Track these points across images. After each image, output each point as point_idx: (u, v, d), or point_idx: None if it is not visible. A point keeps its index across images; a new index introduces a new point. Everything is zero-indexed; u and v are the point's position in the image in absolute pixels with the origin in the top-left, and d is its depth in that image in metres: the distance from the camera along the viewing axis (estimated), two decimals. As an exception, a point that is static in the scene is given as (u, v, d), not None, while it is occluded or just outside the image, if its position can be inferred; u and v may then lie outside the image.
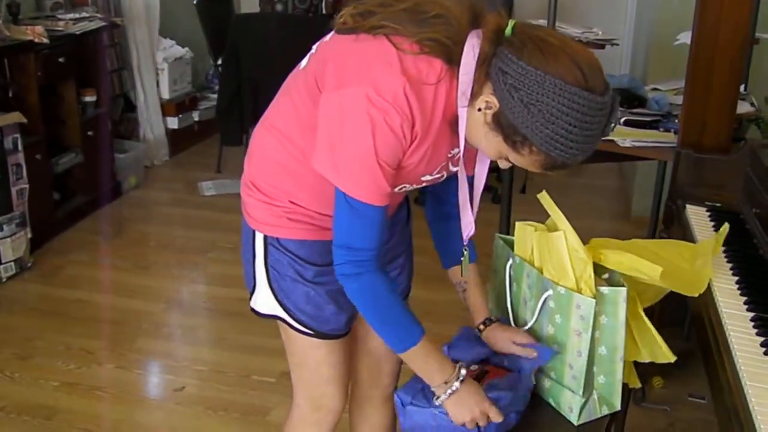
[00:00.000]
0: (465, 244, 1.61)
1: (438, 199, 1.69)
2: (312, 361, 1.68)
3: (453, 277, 1.72)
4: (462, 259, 1.64)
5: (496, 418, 1.46)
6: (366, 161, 1.33)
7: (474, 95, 1.33)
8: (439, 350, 1.51)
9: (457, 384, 1.46)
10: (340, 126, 1.33)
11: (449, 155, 1.46)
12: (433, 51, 1.32)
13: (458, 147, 1.42)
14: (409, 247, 1.79)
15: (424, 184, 1.52)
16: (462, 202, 1.54)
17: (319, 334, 1.63)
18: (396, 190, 1.48)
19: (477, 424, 1.46)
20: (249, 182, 1.58)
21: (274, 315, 1.64)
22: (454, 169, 1.51)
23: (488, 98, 1.30)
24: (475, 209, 1.57)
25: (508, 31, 1.30)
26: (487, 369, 1.58)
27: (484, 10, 1.36)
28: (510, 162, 1.38)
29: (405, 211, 1.75)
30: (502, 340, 1.64)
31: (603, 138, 1.32)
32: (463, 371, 1.47)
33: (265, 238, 1.58)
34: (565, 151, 1.27)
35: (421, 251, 1.78)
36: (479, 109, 1.33)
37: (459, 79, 1.33)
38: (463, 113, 1.35)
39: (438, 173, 1.49)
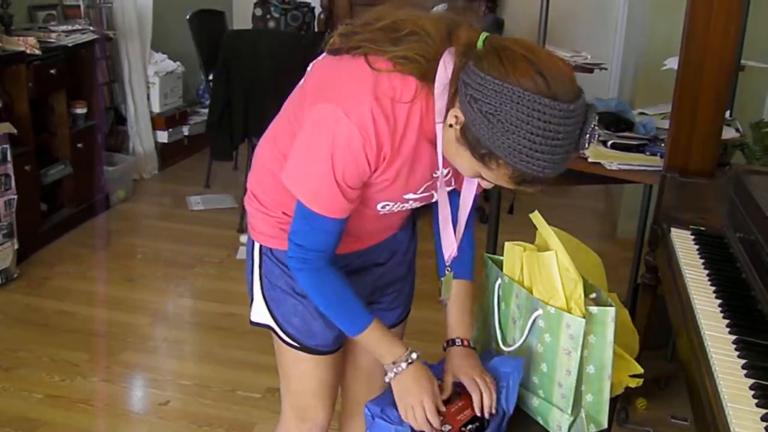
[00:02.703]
0: (447, 264, 1.62)
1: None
2: (299, 373, 1.68)
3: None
4: (442, 278, 1.65)
5: (430, 413, 1.46)
6: (324, 177, 1.36)
7: (447, 111, 1.33)
8: (392, 335, 1.53)
9: (403, 365, 1.48)
10: (307, 140, 1.37)
11: (435, 175, 1.46)
12: (406, 68, 1.33)
13: (445, 167, 1.43)
14: (410, 272, 1.80)
15: (411, 204, 1.53)
16: (442, 224, 1.55)
17: (304, 348, 1.64)
18: (379, 208, 1.50)
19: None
20: (250, 191, 1.62)
21: (265, 324, 1.66)
22: (447, 189, 1.53)
23: (456, 113, 1.30)
24: (460, 232, 1.58)
25: (479, 44, 1.29)
26: (462, 391, 1.58)
27: (459, 27, 1.36)
28: (487, 180, 1.37)
29: (407, 235, 1.75)
30: (449, 370, 1.60)
31: (580, 151, 1.28)
32: (414, 355, 1.49)
33: (261, 247, 1.62)
34: (531, 162, 1.23)
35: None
36: (451, 126, 1.32)
37: (435, 96, 1.34)
38: (439, 130, 1.36)
39: (425, 192, 1.50)
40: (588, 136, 1.26)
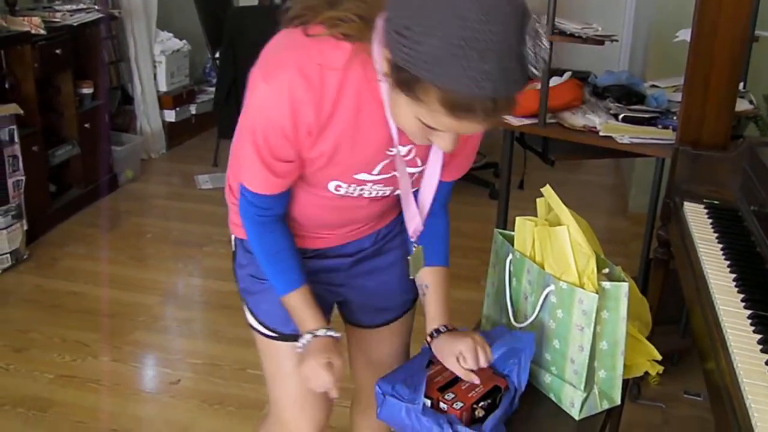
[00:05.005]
0: (413, 240, 1.51)
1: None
2: (281, 375, 1.62)
3: (419, 278, 1.58)
4: (410, 257, 1.54)
5: (323, 382, 1.40)
6: (249, 149, 1.31)
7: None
8: (316, 308, 1.46)
9: (308, 337, 1.44)
10: (241, 112, 1.34)
11: (390, 152, 1.35)
12: (339, 29, 1.22)
13: (403, 145, 1.33)
14: (408, 302, 1.74)
15: (371, 187, 1.42)
16: (404, 197, 1.45)
17: (282, 336, 1.58)
18: (332, 189, 1.40)
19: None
20: (227, 183, 1.57)
21: (248, 323, 1.64)
22: (412, 170, 1.42)
23: (386, 54, 1.15)
24: (424, 205, 1.46)
25: None
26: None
27: None
28: (433, 130, 1.19)
29: (396, 256, 1.64)
30: (448, 353, 1.49)
31: (533, 70, 1.08)
32: (323, 332, 1.44)
33: (235, 238, 1.60)
34: (457, 74, 1.05)
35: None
36: (385, 75, 1.18)
37: (373, 57, 1.21)
38: (384, 90, 1.23)
39: (384, 174, 1.39)
40: (533, 46, 1.06)
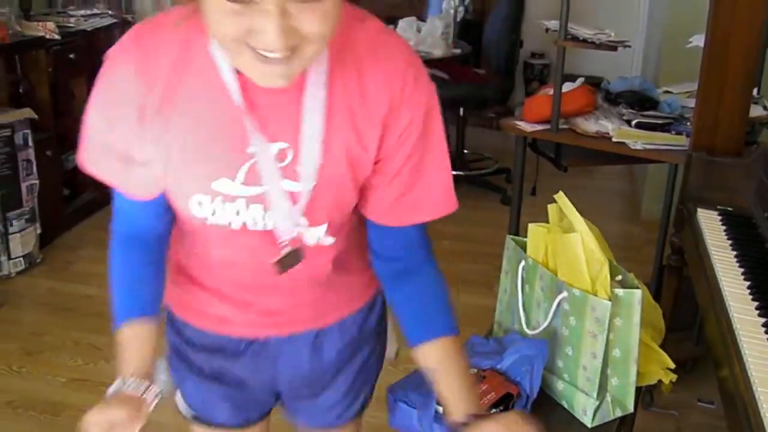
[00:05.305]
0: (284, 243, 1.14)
1: (379, 255, 1.22)
2: None
3: (422, 359, 1.17)
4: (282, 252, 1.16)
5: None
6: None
7: None
8: (141, 356, 1.19)
9: (118, 384, 1.14)
10: None
11: (251, 150, 1.04)
12: None
13: (272, 140, 1.04)
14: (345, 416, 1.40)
15: (245, 209, 1.09)
16: (276, 214, 1.10)
17: (197, 417, 1.41)
18: (194, 210, 1.11)
19: None
20: None
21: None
22: (292, 186, 1.07)
23: None
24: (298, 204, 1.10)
25: None
26: (485, 374, 1.56)
27: None
28: (250, 22, 0.88)
29: (351, 369, 1.36)
30: None
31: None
32: (130, 382, 1.14)
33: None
34: None
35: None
36: None
37: None
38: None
39: (251, 183, 1.06)
40: None
